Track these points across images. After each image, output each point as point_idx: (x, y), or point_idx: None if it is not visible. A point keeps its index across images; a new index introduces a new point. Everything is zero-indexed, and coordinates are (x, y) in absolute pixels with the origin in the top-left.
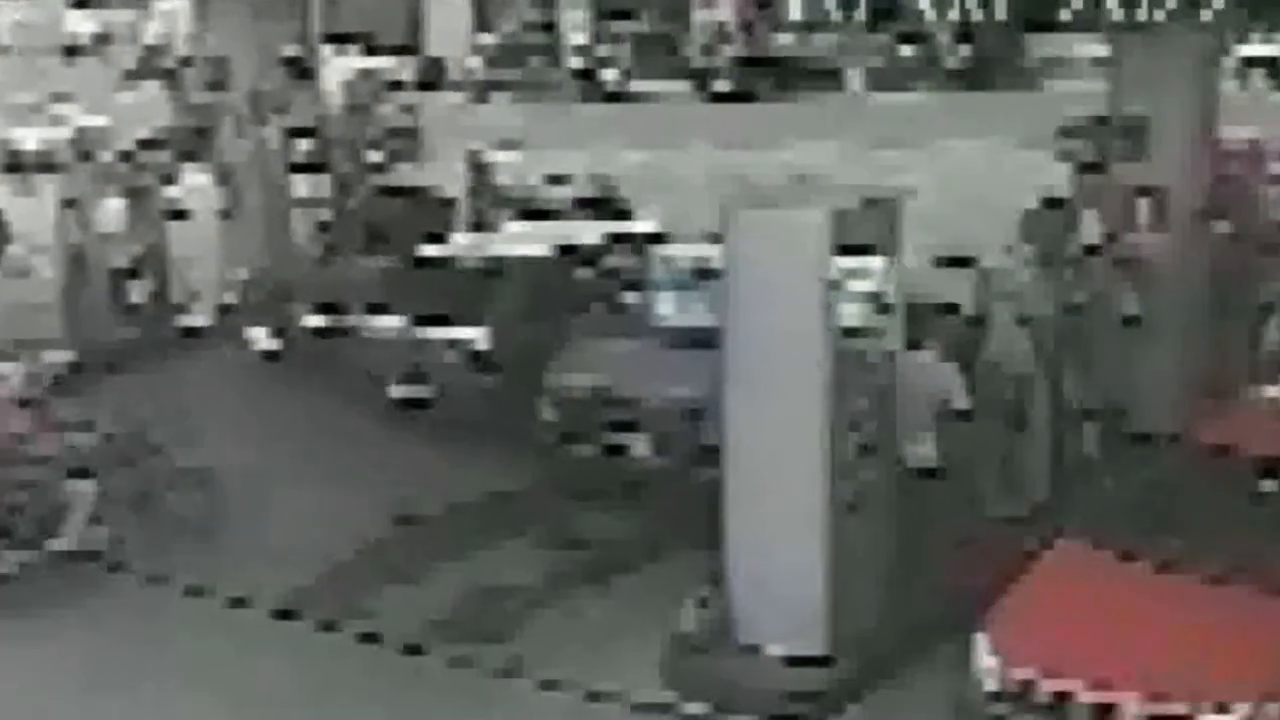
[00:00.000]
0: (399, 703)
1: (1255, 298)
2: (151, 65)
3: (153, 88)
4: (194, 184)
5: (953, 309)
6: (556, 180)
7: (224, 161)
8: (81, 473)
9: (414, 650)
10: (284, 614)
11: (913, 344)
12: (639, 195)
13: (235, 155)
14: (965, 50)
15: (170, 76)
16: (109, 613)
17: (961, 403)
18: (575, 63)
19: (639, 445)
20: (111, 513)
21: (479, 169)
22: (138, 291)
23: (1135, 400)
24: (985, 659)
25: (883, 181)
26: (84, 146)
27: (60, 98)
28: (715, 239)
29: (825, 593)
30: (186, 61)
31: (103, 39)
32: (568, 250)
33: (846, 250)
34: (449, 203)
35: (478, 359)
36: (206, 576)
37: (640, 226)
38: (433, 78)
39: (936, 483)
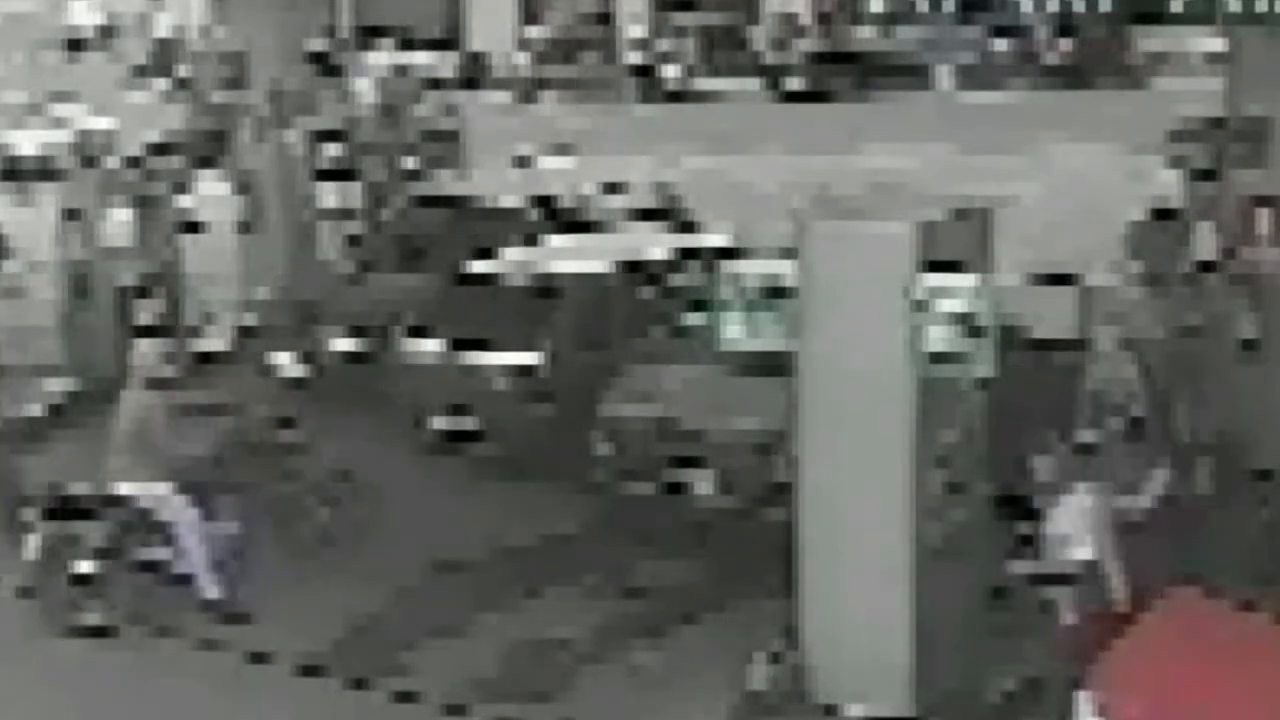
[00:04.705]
0: None
1: None
2: (163, 61)
3: (164, 86)
4: (210, 193)
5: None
6: (613, 189)
7: (243, 168)
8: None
9: (455, 710)
10: (310, 670)
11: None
12: (704, 205)
13: (256, 161)
14: (1066, 45)
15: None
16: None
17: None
18: (633, 58)
19: (703, 483)
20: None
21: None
22: (147, 313)
23: (1254, 433)
24: (1089, 719)
25: (974, 190)
26: (88, 151)
27: (61, 97)
28: (788, 254)
29: (910, 646)
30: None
31: (109, 32)
32: (626, 267)
33: (934, 266)
34: (494, 213)
35: (528, 387)
36: (221, 631)
37: (705, 240)
38: (475, 75)
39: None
